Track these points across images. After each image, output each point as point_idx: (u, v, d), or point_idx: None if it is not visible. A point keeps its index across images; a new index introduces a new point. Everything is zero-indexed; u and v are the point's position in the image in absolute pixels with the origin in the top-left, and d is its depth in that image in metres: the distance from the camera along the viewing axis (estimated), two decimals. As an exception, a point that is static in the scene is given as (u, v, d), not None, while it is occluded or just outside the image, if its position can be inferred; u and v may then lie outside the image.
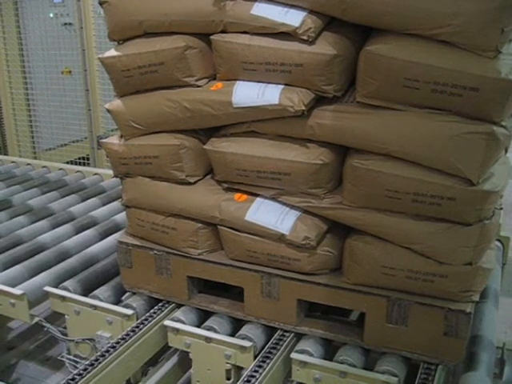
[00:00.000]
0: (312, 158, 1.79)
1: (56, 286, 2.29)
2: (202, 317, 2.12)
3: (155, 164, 2.00)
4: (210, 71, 1.90)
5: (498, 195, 1.71)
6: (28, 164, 4.23)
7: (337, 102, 1.79)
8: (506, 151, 2.11)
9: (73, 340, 2.19)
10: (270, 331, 2.04)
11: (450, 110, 1.64)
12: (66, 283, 2.29)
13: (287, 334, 2.01)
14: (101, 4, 1.95)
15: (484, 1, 1.54)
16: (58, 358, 2.29)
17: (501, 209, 1.83)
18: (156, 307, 2.17)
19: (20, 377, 2.80)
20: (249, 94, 1.79)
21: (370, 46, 1.65)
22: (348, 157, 1.80)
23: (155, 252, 2.10)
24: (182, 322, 2.06)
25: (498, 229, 1.91)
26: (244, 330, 2.01)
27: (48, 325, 2.21)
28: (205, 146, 1.93)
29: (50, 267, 2.49)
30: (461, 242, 1.73)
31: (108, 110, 2.05)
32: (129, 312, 2.10)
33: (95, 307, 2.14)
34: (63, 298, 2.21)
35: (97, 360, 1.90)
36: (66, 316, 2.21)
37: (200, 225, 2.01)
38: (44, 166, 4.17)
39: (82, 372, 1.84)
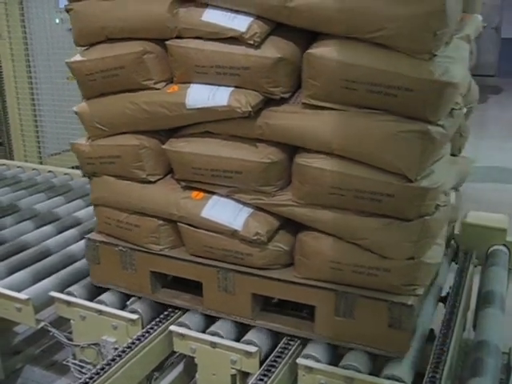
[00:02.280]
0: (261, 156, 1.87)
1: (61, 291, 2.31)
2: (208, 322, 2.13)
3: (118, 163, 2.09)
4: (168, 75, 1.99)
5: (437, 192, 1.77)
6: (34, 169, 4.25)
7: (285, 103, 1.87)
8: (460, 151, 2.18)
9: (78, 345, 2.20)
10: (275, 337, 2.04)
11: (387, 110, 1.71)
12: (71, 288, 2.31)
13: (293, 342, 2.00)
14: (67, 11, 2.05)
15: (417, 5, 1.61)
16: (64, 362, 2.30)
17: (445, 206, 1.89)
18: (162, 316, 2.18)
19: (25, 381, 2.80)
20: (201, 95, 1.88)
21: (312, 49, 1.74)
22: (296, 155, 1.87)
23: (120, 248, 2.19)
24: (188, 327, 2.08)
25: (443, 225, 1.96)
26: (249, 336, 2.02)
27: (53, 330, 2.22)
28: (163, 146, 2.02)
29: (55, 272, 2.51)
30: (402, 237, 1.79)
31: (76, 112, 2.15)
32: (134, 317, 2.12)
33: (100, 312, 2.16)
34: (68, 303, 2.23)
35: (102, 369, 1.90)
36: (71, 321, 2.23)
37: (161, 222, 2.10)
38: (50, 171, 4.18)
39: (87, 380, 1.84)
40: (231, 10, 1.83)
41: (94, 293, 2.30)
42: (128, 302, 2.25)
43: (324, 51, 1.72)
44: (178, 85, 1.96)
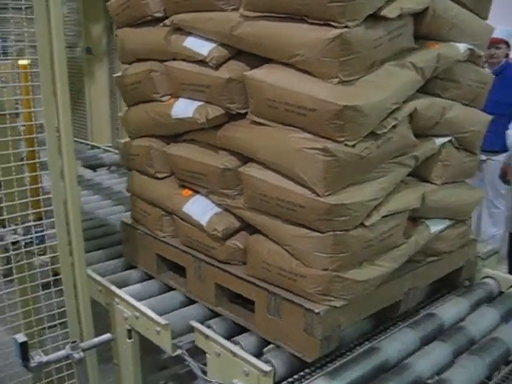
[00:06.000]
0: (219, 162, 2.16)
1: (203, 322, 2.28)
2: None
3: (138, 161, 2.56)
4: (172, 89, 2.39)
5: (347, 209, 1.86)
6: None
7: (243, 118, 2.14)
8: (441, 179, 2.18)
9: (211, 382, 2.17)
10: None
11: (302, 128, 1.88)
12: (211, 321, 2.28)
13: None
14: (116, 36, 2.60)
15: (320, 33, 1.78)
16: None
17: (371, 226, 1.94)
18: (296, 376, 2.04)
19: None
20: (181, 108, 2.25)
21: (248, 72, 1.99)
22: (245, 164, 2.13)
23: (139, 231, 2.65)
24: None
25: (378, 245, 2.01)
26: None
27: (189, 359, 2.20)
28: (163, 149, 2.43)
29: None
30: (317, 248, 1.92)
31: (119, 118, 2.68)
32: (266, 368, 1.96)
33: (234, 354, 2.05)
34: (206, 337, 2.17)
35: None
36: (207, 354, 2.19)
37: (163, 212, 2.50)
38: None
39: None
40: (203, 38, 2.16)
41: (234, 330, 2.26)
42: (265, 350, 2.11)
43: (255, 73, 1.96)
44: (173, 98, 2.35)
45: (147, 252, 2.63)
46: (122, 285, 2.61)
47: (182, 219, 2.40)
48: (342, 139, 1.81)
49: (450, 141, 2.20)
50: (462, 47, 2.11)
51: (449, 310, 2.40)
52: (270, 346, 2.11)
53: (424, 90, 2.10)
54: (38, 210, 2.34)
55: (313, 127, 1.84)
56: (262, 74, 1.95)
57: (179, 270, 2.58)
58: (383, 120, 1.89)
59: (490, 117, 2.34)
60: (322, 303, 1.95)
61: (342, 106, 1.75)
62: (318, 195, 1.85)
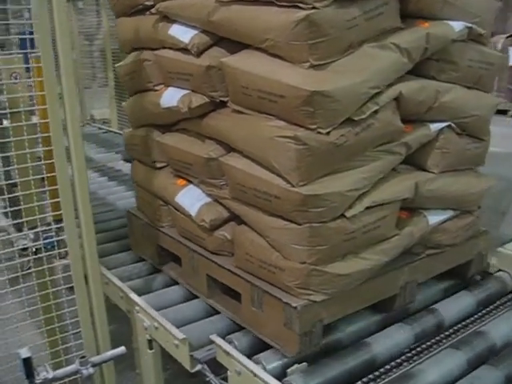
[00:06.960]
0: (204, 152, 2.12)
1: (225, 336, 2.12)
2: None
3: (137, 150, 2.56)
4: (163, 78, 2.36)
5: (323, 199, 1.77)
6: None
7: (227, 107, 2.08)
8: (437, 167, 2.06)
9: None
10: None
11: (276, 116, 1.80)
12: (232, 336, 2.10)
13: None
14: (118, 26, 2.60)
15: (287, 15, 1.69)
16: None
17: (352, 217, 1.85)
18: None
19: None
20: (168, 97, 2.22)
21: (224, 58, 1.93)
22: (228, 154, 2.07)
23: (143, 222, 2.65)
24: None
25: (361, 237, 1.91)
26: None
27: (211, 376, 2.07)
28: (156, 138, 2.41)
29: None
30: (294, 240, 1.85)
31: (123, 108, 2.68)
32: None
33: (255, 374, 1.89)
34: (227, 353, 2.02)
35: None
36: (228, 372, 2.03)
37: (161, 202, 2.49)
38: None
39: None
40: (186, 25, 2.12)
41: (257, 345, 2.07)
42: (288, 370, 1.93)
43: (230, 60, 1.90)
44: (164, 87, 2.32)
45: (149, 242, 2.63)
46: (145, 290, 2.49)
47: (176, 209, 2.38)
48: (315, 127, 1.72)
49: (449, 126, 2.06)
50: (458, 26, 1.95)
51: (502, 326, 2.15)
52: (294, 366, 1.94)
53: (417, 72, 1.98)
54: (44, 215, 2.16)
55: (284, 114, 1.77)
56: (236, 60, 1.89)
57: (180, 260, 2.57)
58: (362, 105, 1.79)
59: (497, 100, 2.17)
60: (301, 297, 1.88)
61: (311, 91, 1.66)
62: (293, 185, 1.78)
